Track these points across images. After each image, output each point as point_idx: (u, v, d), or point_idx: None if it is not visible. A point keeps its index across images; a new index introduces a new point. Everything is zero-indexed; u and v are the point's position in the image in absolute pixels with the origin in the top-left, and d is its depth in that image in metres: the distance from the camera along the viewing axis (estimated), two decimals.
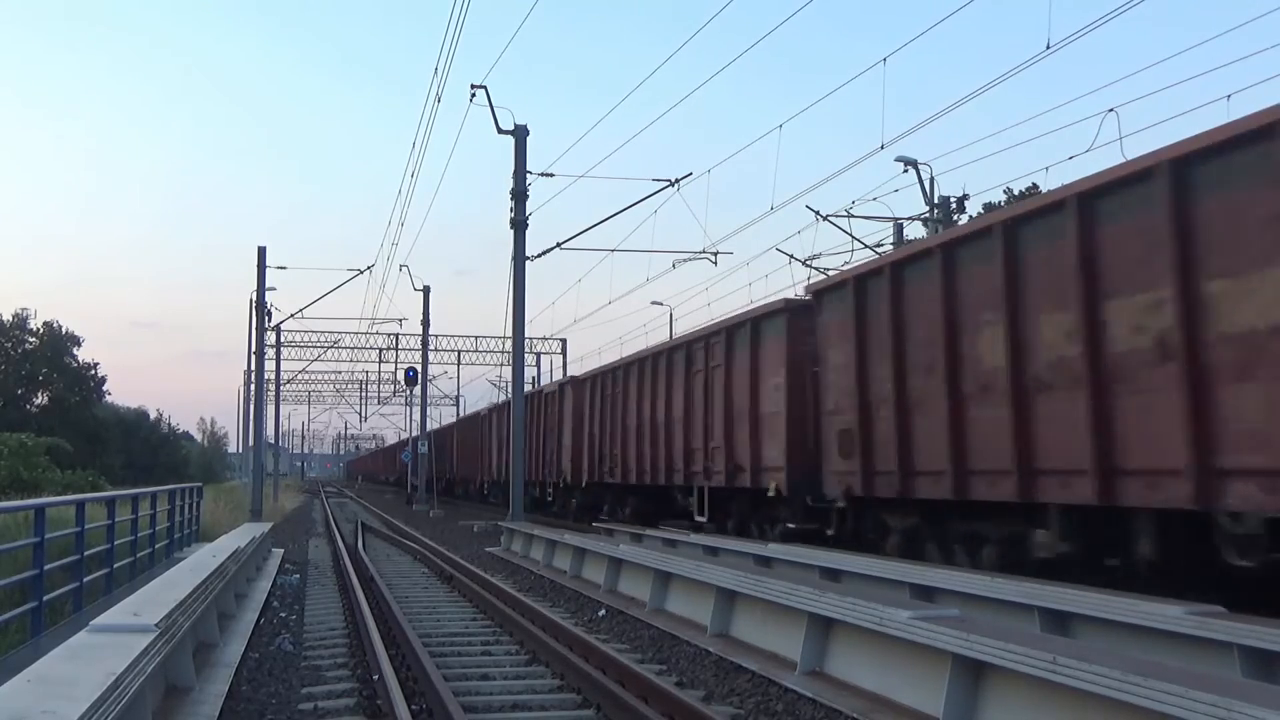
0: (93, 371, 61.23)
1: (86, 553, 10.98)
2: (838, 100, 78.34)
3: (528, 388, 31.83)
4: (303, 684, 8.39)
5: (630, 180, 55.76)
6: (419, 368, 45.84)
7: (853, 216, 26.22)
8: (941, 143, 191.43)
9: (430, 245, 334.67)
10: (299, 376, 63.12)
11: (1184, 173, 8.50)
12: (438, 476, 48.01)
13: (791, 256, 27.37)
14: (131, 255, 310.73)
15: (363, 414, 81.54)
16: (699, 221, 51.45)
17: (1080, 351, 9.52)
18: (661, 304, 54.57)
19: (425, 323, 45.97)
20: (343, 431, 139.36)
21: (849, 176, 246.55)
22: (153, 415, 75.06)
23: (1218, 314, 8.20)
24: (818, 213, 25.82)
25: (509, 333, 25.47)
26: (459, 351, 58.22)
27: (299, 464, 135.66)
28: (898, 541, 12.90)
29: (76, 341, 60.67)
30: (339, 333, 56.03)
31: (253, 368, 39.06)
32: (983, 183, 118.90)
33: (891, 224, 27.32)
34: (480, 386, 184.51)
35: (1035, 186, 32.93)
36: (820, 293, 14.93)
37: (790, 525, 15.96)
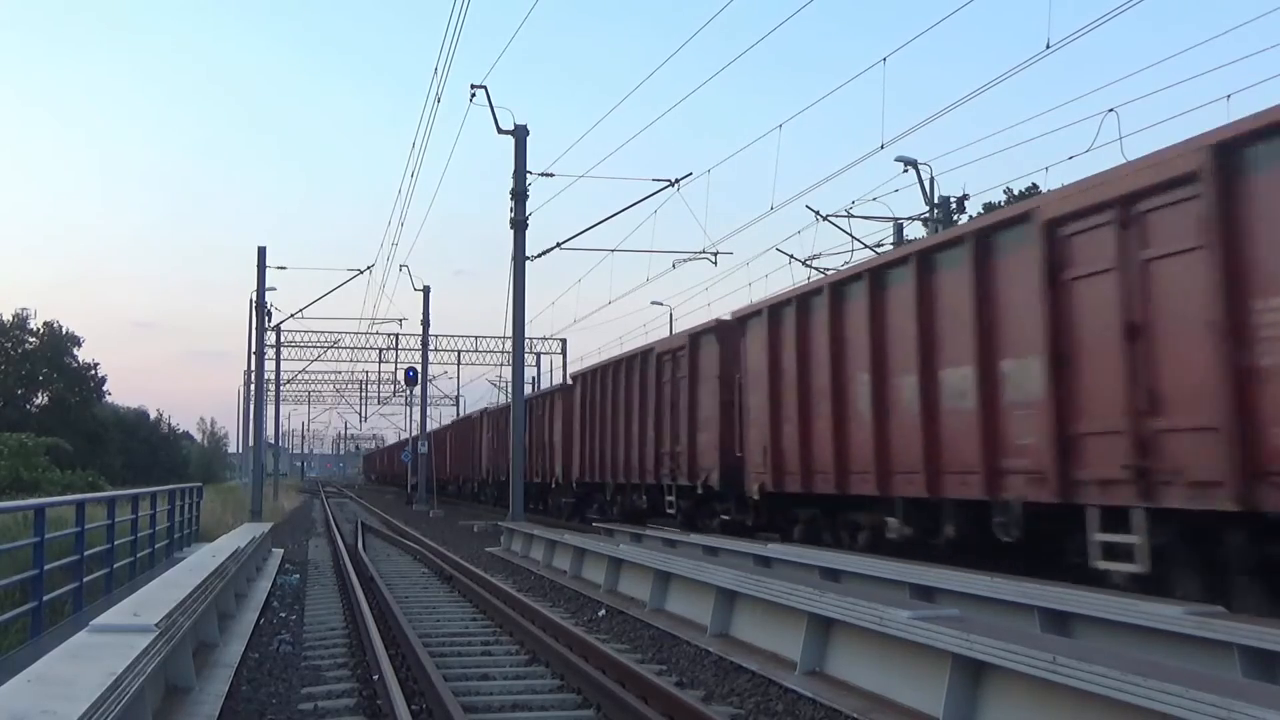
0: (93, 371, 61.30)
1: (86, 553, 10.98)
2: (838, 100, 78.35)
3: (526, 389, 32.06)
4: (303, 684, 8.39)
5: (630, 180, 55.50)
6: (419, 368, 45.82)
7: (853, 216, 26.23)
8: (941, 143, 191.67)
9: (430, 245, 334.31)
10: (299, 376, 63.17)
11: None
12: (435, 477, 48.06)
13: (791, 256, 27.38)
14: (131, 255, 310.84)
15: (363, 414, 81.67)
16: (699, 221, 51.24)
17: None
18: (661, 304, 54.51)
19: (425, 323, 45.96)
20: (343, 431, 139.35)
21: (849, 176, 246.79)
22: (153, 415, 75.26)
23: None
24: (818, 213, 25.84)
25: (509, 333, 25.47)
26: (459, 351, 58.24)
27: (299, 464, 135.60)
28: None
29: (76, 341, 60.76)
30: (339, 333, 56.11)
31: (253, 368, 39.08)
32: (982, 183, 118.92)
33: (891, 224, 27.33)
34: (480, 386, 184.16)
35: (1035, 186, 32.89)
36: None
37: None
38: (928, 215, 26.38)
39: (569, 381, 32.39)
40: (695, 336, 19.82)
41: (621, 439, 23.94)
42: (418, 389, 47.53)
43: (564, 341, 56.71)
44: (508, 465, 27.27)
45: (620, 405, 24.25)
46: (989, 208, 32.51)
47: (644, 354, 23.19)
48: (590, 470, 26.99)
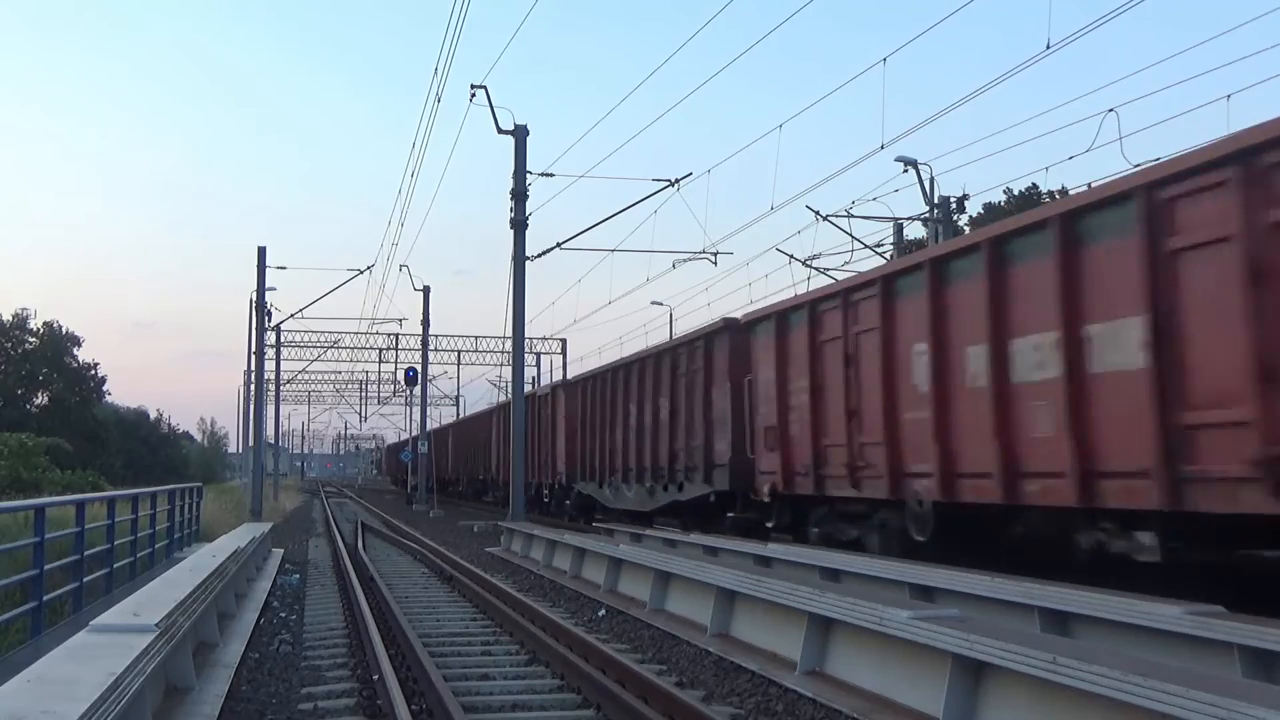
0: (93, 371, 61.20)
1: (86, 553, 10.98)
2: (838, 100, 78.43)
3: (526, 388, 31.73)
4: (303, 684, 8.39)
5: (630, 180, 55.71)
6: (419, 368, 45.84)
7: (853, 216, 26.23)
8: (941, 143, 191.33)
9: (430, 245, 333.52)
10: (299, 376, 63.14)
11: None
12: (435, 476, 48.06)
13: (791, 256, 27.36)
14: (131, 255, 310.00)
15: (363, 414, 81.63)
16: (699, 221, 51.49)
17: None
18: (661, 304, 54.46)
19: (425, 323, 45.97)
20: (343, 431, 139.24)
21: (849, 176, 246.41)
22: (153, 415, 75.12)
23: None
24: (818, 213, 25.83)
25: (509, 333, 25.49)
26: (459, 351, 58.23)
27: (299, 464, 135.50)
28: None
29: (76, 341, 60.65)
30: (339, 333, 56.04)
31: (253, 368, 39.08)
32: (982, 183, 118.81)
33: (891, 224, 27.34)
34: (480, 386, 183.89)
35: (1035, 186, 32.98)
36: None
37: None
38: (928, 215, 26.37)
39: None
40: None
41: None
42: (418, 389, 47.55)
43: (564, 341, 56.78)
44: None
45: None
46: (989, 208, 32.55)
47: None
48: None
